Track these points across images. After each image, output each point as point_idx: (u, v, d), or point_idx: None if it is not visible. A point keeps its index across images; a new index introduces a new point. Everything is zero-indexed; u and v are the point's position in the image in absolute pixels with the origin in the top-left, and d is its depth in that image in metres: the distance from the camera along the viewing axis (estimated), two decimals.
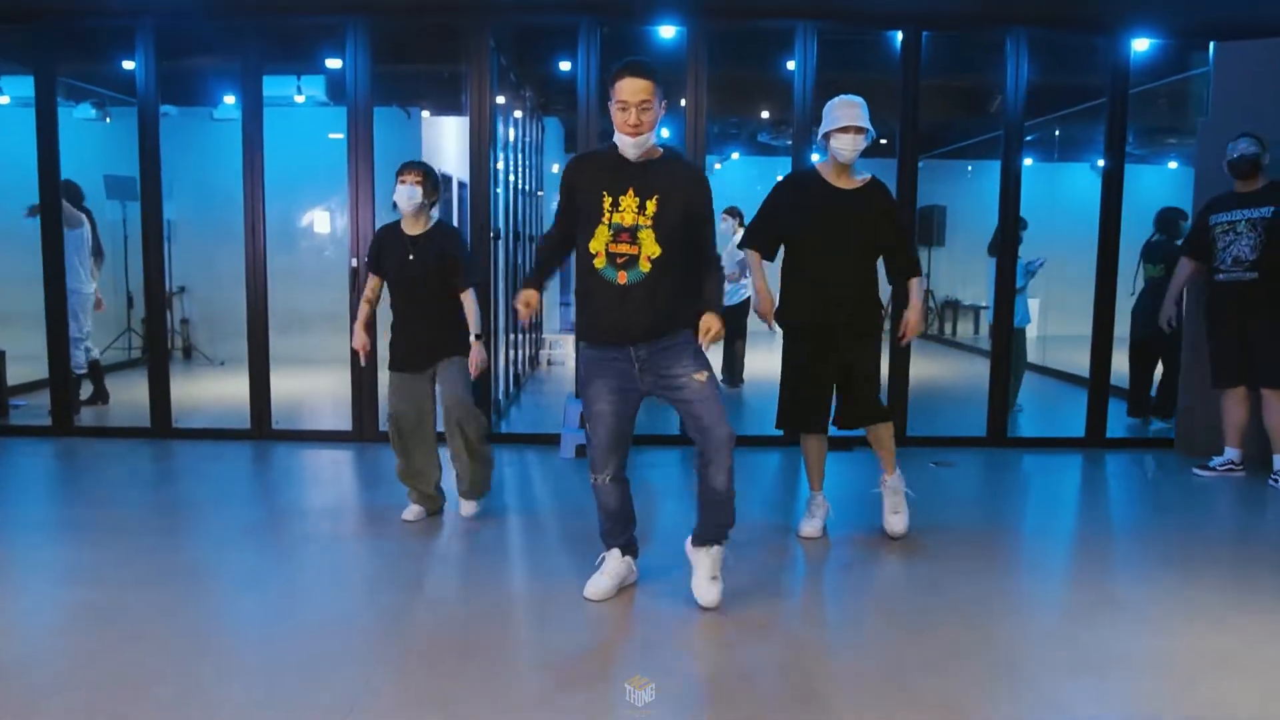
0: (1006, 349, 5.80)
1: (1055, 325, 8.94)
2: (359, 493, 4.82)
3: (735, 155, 12.88)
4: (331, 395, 6.73)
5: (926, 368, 9.17)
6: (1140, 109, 8.15)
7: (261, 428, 5.68)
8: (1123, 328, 5.97)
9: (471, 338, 3.95)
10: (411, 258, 3.89)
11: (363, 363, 4.20)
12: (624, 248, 2.96)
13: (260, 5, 5.47)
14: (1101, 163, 5.72)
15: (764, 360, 7.01)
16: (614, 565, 3.26)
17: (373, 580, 3.51)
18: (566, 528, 4.05)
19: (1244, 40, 5.24)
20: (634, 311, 2.98)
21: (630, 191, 2.97)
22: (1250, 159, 4.81)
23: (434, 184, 3.94)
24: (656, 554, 3.55)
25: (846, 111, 3.61)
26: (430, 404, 4.03)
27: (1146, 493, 5.04)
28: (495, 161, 5.90)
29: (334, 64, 6.69)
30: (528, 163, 8.48)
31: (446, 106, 8.88)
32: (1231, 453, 4.99)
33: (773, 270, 3.86)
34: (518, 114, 7.83)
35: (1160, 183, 10.66)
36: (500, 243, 6.46)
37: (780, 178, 4.00)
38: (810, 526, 3.94)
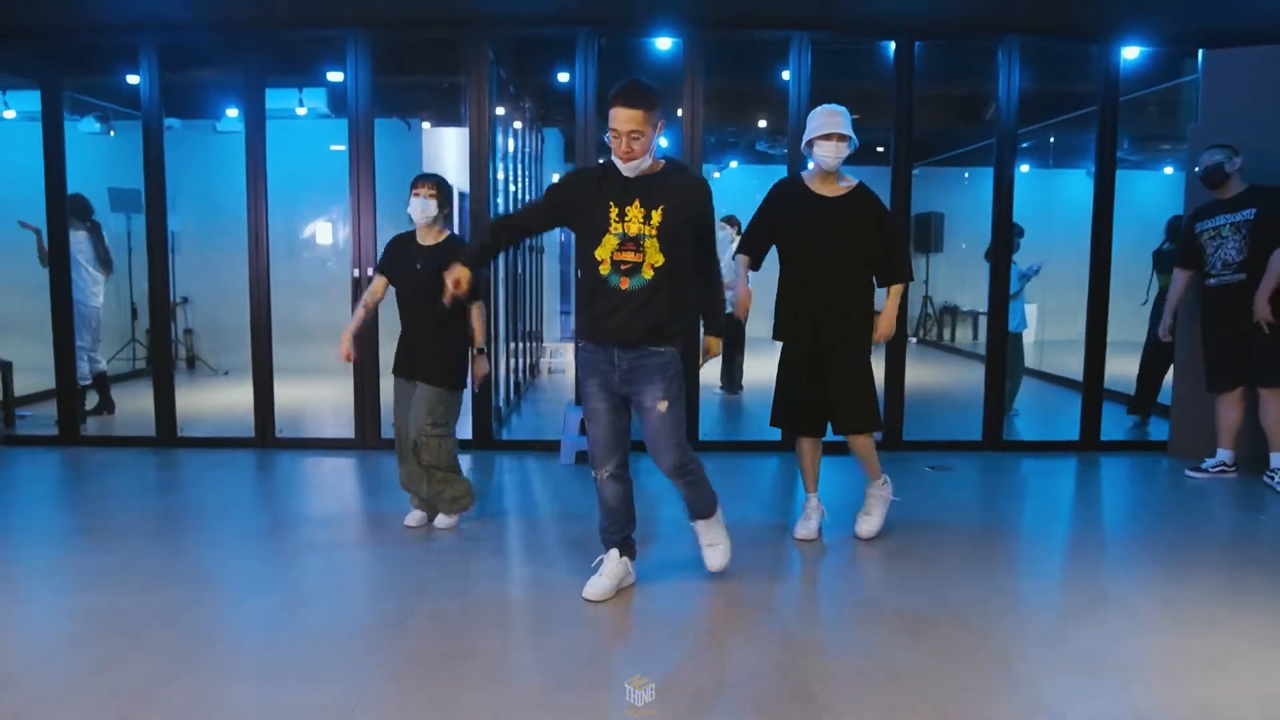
0: (1001, 353, 5.85)
1: (1051, 330, 8.99)
2: (361, 499, 4.87)
3: (734, 164, 12.94)
4: (334, 403, 6.77)
5: (924, 373, 9.22)
6: (1134, 116, 8.20)
7: (265, 436, 5.73)
8: (1122, 332, 6.00)
9: (474, 350, 4.06)
10: (419, 267, 3.96)
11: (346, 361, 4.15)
12: (629, 255, 3.08)
13: (262, 19, 5.53)
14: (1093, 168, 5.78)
15: (763, 368, 7.05)
16: (611, 566, 3.31)
17: (374, 586, 3.55)
18: (566, 533, 4.10)
19: (1232, 48, 5.30)
20: (631, 315, 3.09)
21: (636, 202, 3.08)
22: (1215, 168, 4.89)
23: (447, 196, 4.04)
24: (655, 556, 3.61)
25: (828, 120, 3.68)
26: None
27: (1139, 495, 5.08)
28: (495, 172, 5.97)
29: (335, 76, 6.74)
30: (527, 173, 8.54)
31: (446, 118, 8.94)
32: (1224, 454, 5.04)
33: (762, 279, 3.95)
34: (517, 125, 7.89)
35: (1157, 188, 10.72)
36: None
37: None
38: (805, 529, 4.00)
